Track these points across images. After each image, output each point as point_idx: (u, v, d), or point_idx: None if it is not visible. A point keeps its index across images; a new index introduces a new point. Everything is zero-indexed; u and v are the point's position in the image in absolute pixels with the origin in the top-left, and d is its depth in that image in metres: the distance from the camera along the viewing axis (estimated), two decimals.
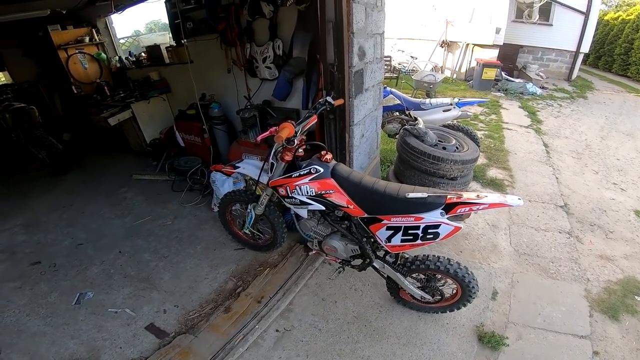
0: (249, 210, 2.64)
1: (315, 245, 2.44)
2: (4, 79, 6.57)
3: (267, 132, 2.09)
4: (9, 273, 3.01)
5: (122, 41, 6.89)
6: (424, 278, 2.20)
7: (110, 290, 2.74)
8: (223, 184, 3.23)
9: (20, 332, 2.41)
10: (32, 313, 2.57)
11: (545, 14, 10.40)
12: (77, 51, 5.49)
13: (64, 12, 4.89)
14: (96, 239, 3.39)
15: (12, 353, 2.27)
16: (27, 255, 3.22)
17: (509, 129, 6.07)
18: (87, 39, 5.58)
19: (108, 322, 2.45)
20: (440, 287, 2.19)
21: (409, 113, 4.37)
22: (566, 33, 10.35)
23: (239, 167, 2.85)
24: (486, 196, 1.69)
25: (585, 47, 10.63)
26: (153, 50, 5.19)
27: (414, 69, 10.22)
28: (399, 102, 4.40)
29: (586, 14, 9.91)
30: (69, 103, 6.07)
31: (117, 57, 5.97)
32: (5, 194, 4.48)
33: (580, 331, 2.31)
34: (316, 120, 2.28)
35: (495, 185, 4.03)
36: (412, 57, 10.38)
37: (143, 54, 5.61)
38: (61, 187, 4.54)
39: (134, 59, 5.70)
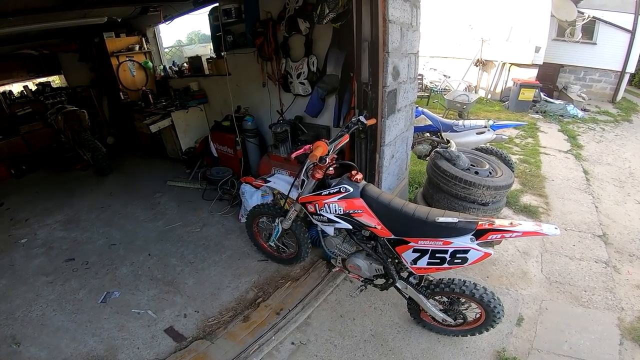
0: (276, 224, 2.68)
1: (339, 263, 2.44)
2: (58, 81, 7.08)
3: (302, 150, 2.13)
4: (43, 267, 3.19)
5: (166, 50, 7.26)
6: (447, 301, 2.16)
7: (136, 291, 2.85)
8: (252, 196, 3.30)
9: (43, 327, 2.53)
10: (59, 308, 2.69)
11: (588, 32, 9.97)
12: (127, 59, 5.85)
13: (119, 20, 5.23)
14: (129, 240, 3.55)
15: (32, 346, 2.37)
16: (63, 252, 3.42)
17: (546, 154, 5.80)
18: (137, 47, 5.94)
19: (130, 322, 2.53)
20: (463, 311, 2.14)
21: (441, 135, 4.29)
22: (611, 52, 9.85)
23: (269, 181, 2.91)
24: (520, 224, 1.64)
25: (632, 67, 10.04)
26: (194, 61, 5.44)
27: (447, 88, 10.04)
28: (430, 122, 4.33)
29: (632, 32, 9.42)
30: (115, 108, 6.46)
31: (161, 66, 6.30)
32: (52, 191, 4.81)
33: (608, 359, 2.21)
34: (348, 139, 2.30)
35: (529, 212, 3.86)
36: (444, 75, 10.21)
37: (185, 64, 5.87)
38: (102, 189, 4.82)
39: (177, 68, 5.98)
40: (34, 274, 3.11)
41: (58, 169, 5.62)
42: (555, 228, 1.58)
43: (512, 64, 9.76)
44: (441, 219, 1.76)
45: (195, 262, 3.16)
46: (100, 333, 2.46)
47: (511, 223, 1.65)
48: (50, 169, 5.68)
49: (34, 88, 6.33)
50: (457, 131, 4.28)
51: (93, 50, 6.01)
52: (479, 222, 1.69)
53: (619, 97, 10.38)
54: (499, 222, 1.68)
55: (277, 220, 2.68)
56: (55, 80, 7.09)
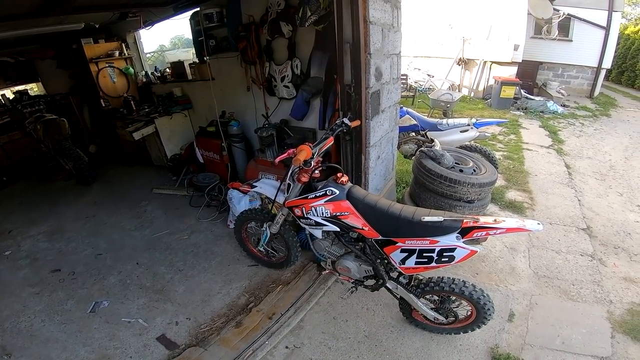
0: (264, 229, 2.67)
1: (329, 265, 2.44)
2: (36, 89, 6.89)
3: (285, 154, 2.13)
4: (29, 279, 3.13)
5: (148, 56, 7.12)
6: (437, 299, 2.18)
7: (125, 300, 2.81)
8: (239, 202, 3.28)
9: (33, 337, 2.49)
10: (47, 319, 2.65)
11: (564, 29, 10.30)
12: (107, 65, 5.70)
13: (97, 26, 5.10)
14: (115, 249, 3.48)
15: (22, 357, 2.34)
16: (48, 263, 3.35)
17: (529, 150, 5.95)
18: (117, 53, 5.79)
19: (121, 332, 2.50)
20: (454, 309, 2.17)
21: (426, 134, 4.35)
22: (587, 48, 10.22)
23: (256, 186, 2.91)
24: (504, 220, 1.68)
25: (607, 63, 10.41)
26: (177, 66, 5.34)
27: (431, 87, 10.19)
28: (415, 122, 4.38)
29: (606, 29, 9.76)
30: (96, 116, 6.31)
31: (143, 72, 6.18)
32: (35, 202, 4.68)
33: (601, 352, 2.25)
34: (333, 142, 2.31)
35: (515, 207, 3.94)
36: (428, 75, 10.37)
37: (168, 70, 5.77)
38: (86, 198, 4.71)
39: (159, 74, 5.87)
40: (20, 285, 3.04)
41: (40, 179, 5.47)
42: (538, 224, 1.61)
43: (492, 62, 9.98)
44: (427, 219, 1.79)
45: (185, 269, 3.13)
46: (91, 343, 2.42)
47: (495, 220, 1.68)
48: (32, 180, 5.52)
49: (11, 96, 6.14)
50: (441, 130, 4.34)
51: (71, 57, 5.85)
52: (464, 220, 1.72)
53: (596, 93, 10.71)
54: (483, 220, 1.70)
55: (265, 225, 2.67)
56: (34, 88, 6.89)
